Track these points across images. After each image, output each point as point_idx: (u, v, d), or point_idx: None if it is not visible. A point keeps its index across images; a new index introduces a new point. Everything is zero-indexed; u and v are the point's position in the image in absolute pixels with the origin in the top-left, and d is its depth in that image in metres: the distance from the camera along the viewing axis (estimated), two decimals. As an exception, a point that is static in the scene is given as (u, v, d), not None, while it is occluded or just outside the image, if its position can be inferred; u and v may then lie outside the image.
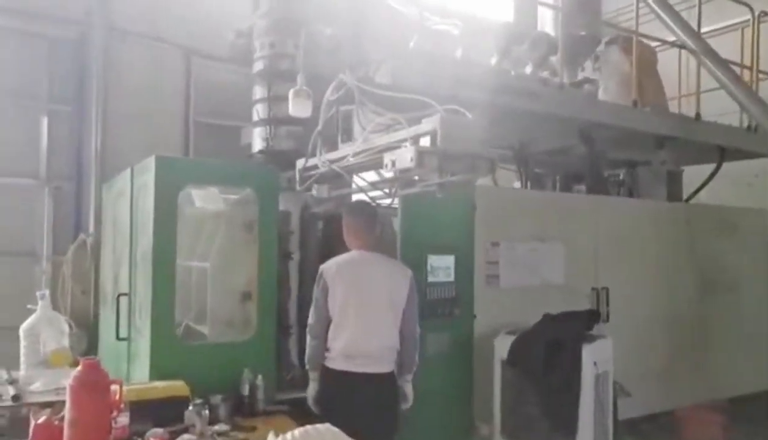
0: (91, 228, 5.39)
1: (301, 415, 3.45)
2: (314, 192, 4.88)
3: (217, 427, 3.04)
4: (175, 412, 3.07)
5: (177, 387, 3.13)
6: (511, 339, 3.81)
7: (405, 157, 2.67)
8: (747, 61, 5.83)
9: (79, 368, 2.71)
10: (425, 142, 2.73)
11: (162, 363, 3.28)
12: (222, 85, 6.17)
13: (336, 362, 3.27)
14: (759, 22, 5.77)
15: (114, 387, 2.74)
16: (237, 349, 3.49)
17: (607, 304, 4.79)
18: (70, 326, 4.08)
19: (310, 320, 3.34)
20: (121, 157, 5.33)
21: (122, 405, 2.78)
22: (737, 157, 5.78)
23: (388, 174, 2.95)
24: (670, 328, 5.27)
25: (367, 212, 3.53)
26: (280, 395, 3.68)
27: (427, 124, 2.73)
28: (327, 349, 3.30)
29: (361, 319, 3.25)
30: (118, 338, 3.81)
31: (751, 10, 5.77)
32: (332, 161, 3.38)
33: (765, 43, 5.92)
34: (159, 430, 2.83)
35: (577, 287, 4.71)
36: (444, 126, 2.63)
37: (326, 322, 3.30)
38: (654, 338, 5.12)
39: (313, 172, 3.65)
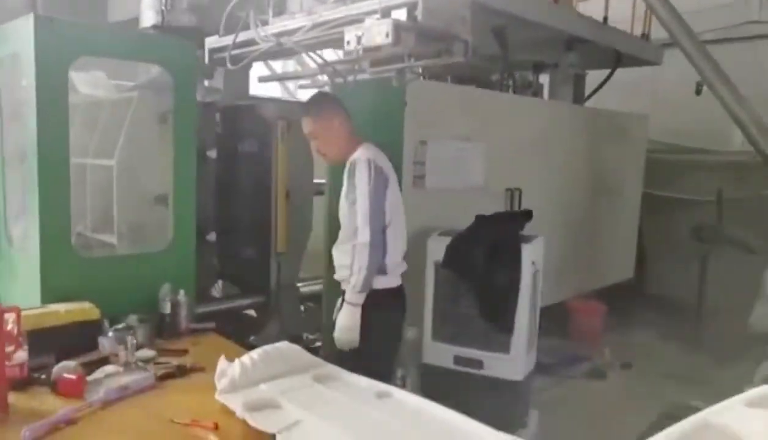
0: None
1: (227, 331, 3.09)
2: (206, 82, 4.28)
3: (139, 353, 2.58)
4: (85, 340, 2.56)
5: (84, 309, 2.58)
6: (445, 240, 3.67)
7: (378, 31, 2.23)
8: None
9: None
10: (399, 15, 2.30)
11: (57, 282, 2.67)
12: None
13: (391, 278, 2.82)
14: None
15: (8, 316, 2.15)
16: (151, 262, 2.95)
17: (520, 205, 4.85)
18: None
19: (369, 229, 2.64)
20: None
21: (20, 339, 2.21)
22: (629, 63, 6.00)
23: (348, 52, 2.48)
24: (568, 228, 5.54)
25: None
26: (198, 308, 3.27)
27: (403, -6, 2.30)
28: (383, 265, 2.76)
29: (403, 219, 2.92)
30: (-18, 254, 3.06)
31: None
32: (277, 35, 2.80)
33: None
34: (70, 363, 2.32)
35: (493, 187, 4.68)
36: (426, -3, 2.22)
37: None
38: (555, 237, 5.33)
39: (246, 49, 3.02)
